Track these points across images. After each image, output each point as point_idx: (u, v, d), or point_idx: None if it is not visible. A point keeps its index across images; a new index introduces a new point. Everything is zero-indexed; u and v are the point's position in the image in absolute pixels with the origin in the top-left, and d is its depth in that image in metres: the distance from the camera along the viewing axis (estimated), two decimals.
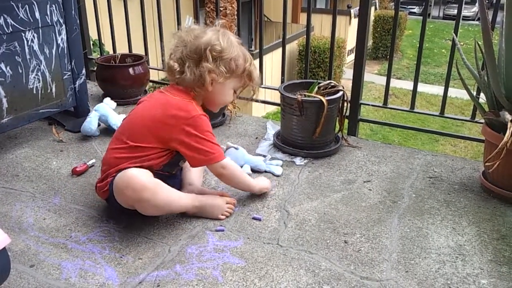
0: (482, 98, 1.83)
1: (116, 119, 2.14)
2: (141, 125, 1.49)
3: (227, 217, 1.55)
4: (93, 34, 3.13)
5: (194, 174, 1.69)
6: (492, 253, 1.39)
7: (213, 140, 1.49)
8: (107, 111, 2.15)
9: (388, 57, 2.33)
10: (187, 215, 1.55)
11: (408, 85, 9.93)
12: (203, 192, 1.64)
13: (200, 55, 1.47)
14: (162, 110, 1.46)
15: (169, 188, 1.46)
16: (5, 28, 1.84)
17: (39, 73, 2.02)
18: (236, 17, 4.09)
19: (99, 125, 2.16)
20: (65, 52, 2.13)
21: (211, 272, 1.30)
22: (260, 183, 1.68)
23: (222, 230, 1.48)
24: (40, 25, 1.98)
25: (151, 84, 3.06)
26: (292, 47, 9.17)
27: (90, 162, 1.89)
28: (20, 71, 1.93)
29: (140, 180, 1.37)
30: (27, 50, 1.94)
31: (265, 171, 1.86)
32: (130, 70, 2.58)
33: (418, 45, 2.16)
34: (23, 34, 1.92)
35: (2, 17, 1.82)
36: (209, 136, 1.48)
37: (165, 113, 1.46)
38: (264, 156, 1.96)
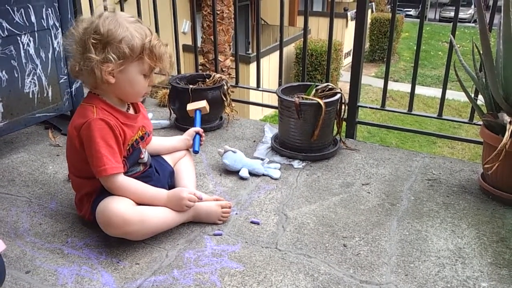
0: (480, 99, 1.82)
1: None
2: (69, 156, 1.47)
3: (224, 222, 1.54)
4: None
5: (187, 179, 1.65)
6: (492, 256, 1.38)
7: (103, 150, 1.33)
8: None
9: (384, 59, 2.33)
10: None
11: (405, 87, 9.94)
12: None
13: (84, 47, 1.32)
14: (69, 126, 1.41)
15: (156, 212, 1.41)
16: (1, 32, 1.82)
17: (35, 77, 2.01)
18: (233, 20, 4.09)
19: None
20: (61, 55, 2.12)
21: (209, 277, 1.28)
22: (171, 203, 1.44)
23: (220, 235, 1.47)
24: (36, 29, 1.97)
25: None
26: (289, 50, 9.18)
27: None
28: (16, 75, 1.92)
29: (121, 216, 1.31)
30: (23, 54, 1.93)
31: (263, 175, 1.85)
32: None
33: (414, 48, 2.16)
34: (19, 38, 1.90)
35: None
36: (99, 145, 1.32)
37: (70, 127, 1.40)
38: (262, 159, 1.95)
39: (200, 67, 5.18)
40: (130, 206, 1.36)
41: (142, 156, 1.52)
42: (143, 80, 1.41)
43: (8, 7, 1.84)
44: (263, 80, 7.12)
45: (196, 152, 1.71)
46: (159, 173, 1.60)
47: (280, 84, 2.31)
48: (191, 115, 1.94)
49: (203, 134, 1.75)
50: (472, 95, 1.88)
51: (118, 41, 1.31)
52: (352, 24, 10.00)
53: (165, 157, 1.69)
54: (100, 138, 1.33)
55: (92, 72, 1.32)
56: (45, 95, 2.08)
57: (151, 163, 1.59)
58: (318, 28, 10.75)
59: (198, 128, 1.75)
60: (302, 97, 1.99)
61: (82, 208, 1.49)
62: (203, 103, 1.96)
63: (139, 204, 1.40)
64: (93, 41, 1.31)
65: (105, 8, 1.42)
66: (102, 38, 1.31)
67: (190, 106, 1.97)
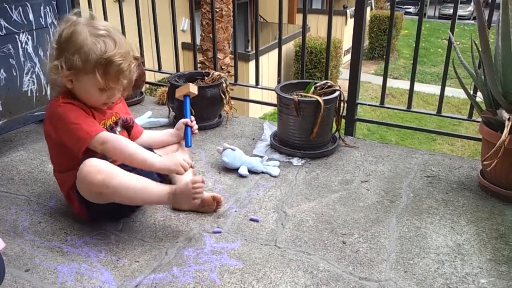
0: (479, 96, 1.82)
1: None
2: (50, 152, 1.50)
3: (197, 198, 1.45)
4: None
5: (186, 176, 1.62)
6: (491, 252, 1.38)
7: (78, 121, 1.34)
8: None
9: (384, 57, 2.33)
10: (183, 216, 1.54)
11: (405, 84, 9.95)
12: None
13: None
14: (43, 124, 1.46)
15: (131, 175, 1.37)
16: None
17: (34, 76, 2.01)
18: (232, 18, 4.09)
19: None
20: None
21: (209, 274, 1.28)
22: (166, 161, 1.41)
23: (219, 232, 1.47)
24: (34, 27, 1.97)
25: (147, 86, 3.05)
26: (289, 47, 9.17)
27: None
28: (15, 73, 1.92)
29: (94, 166, 1.32)
30: (21, 53, 1.93)
31: (262, 172, 1.85)
32: None
33: (414, 45, 2.16)
34: (17, 37, 1.90)
35: None
36: (75, 119, 1.34)
37: (44, 124, 1.45)
38: (261, 157, 1.95)
39: (199, 65, 5.18)
40: (107, 162, 1.36)
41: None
42: (99, 94, 1.38)
43: (6, 6, 1.84)
44: (263, 78, 7.08)
45: (188, 147, 1.65)
46: None
47: (279, 82, 2.31)
48: (181, 99, 1.81)
49: (193, 125, 1.67)
50: (471, 92, 1.88)
51: (72, 52, 1.31)
52: (351, 22, 9.97)
53: (158, 151, 1.65)
54: (71, 113, 1.35)
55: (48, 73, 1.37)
56: (43, 93, 2.07)
57: None
58: (318, 25, 10.74)
59: (187, 120, 1.66)
60: (301, 95, 1.99)
61: (74, 205, 1.50)
62: (188, 87, 1.82)
63: (130, 163, 1.39)
64: (54, 45, 1.36)
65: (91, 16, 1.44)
66: (59, 45, 1.35)
67: (178, 93, 1.84)
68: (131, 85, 1.46)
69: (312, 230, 1.49)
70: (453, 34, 1.95)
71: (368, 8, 12.38)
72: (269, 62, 7.87)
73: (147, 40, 3.03)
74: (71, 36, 1.32)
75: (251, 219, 1.54)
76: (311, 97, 1.95)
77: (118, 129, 1.53)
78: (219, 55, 5.16)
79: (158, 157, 1.44)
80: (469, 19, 19.58)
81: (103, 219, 1.50)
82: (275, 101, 2.17)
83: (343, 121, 2.19)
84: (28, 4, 1.92)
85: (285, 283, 1.25)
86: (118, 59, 1.33)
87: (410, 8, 20.36)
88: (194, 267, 1.31)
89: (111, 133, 1.40)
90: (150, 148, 1.65)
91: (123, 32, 2.91)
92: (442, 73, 2.17)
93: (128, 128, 1.59)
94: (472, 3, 19.75)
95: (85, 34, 1.32)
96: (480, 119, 1.75)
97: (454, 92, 8.41)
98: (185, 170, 1.41)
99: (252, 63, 7.21)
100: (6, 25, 1.85)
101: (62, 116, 1.36)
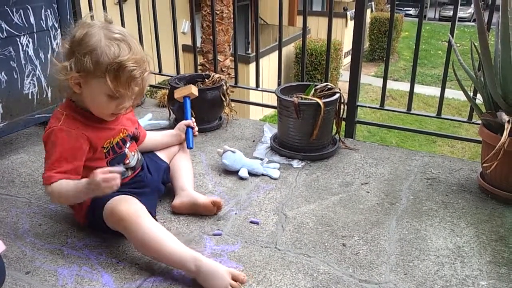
0: (479, 99, 1.83)
1: None
2: None
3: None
4: None
5: (185, 179, 1.63)
6: (491, 255, 1.38)
7: (53, 158, 1.30)
8: None
9: (384, 59, 2.33)
10: (183, 219, 1.55)
11: (405, 86, 9.94)
12: (195, 198, 1.56)
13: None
14: None
15: (155, 226, 1.30)
16: (0, 34, 1.83)
17: (35, 78, 2.01)
18: (232, 20, 4.10)
19: None
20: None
21: None
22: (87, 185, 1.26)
23: (220, 234, 1.47)
24: (35, 30, 1.97)
25: (148, 88, 3.05)
26: (289, 49, 9.18)
27: None
28: (15, 76, 1.92)
29: (119, 214, 1.30)
30: (22, 55, 1.93)
31: (263, 174, 1.85)
32: None
33: (414, 47, 2.16)
34: (18, 39, 1.91)
35: None
36: (53, 153, 1.30)
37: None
38: (261, 159, 1.95)
39: (199, 67, 5.19)
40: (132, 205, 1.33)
41: (127, 162, 1.47)
42: (107, 101, 1.31)
43: (7, 8, 1.84)
44: (263, 80, 7.11)
45: (190, 148, 1.68)
46: (151, 173, 1.57)
47: (279, 84, 2.32)
48: (180, 101, 1.89)
49: (195, 126, 1.70)
50: (471, 94, 1.88)
51: (83, 53, 1.25)
52: (351, 24, 9.97)
53: (160, 153, 1.67)
54: (57, 146, 1.30)
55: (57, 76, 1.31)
56: (44, 96, 2.08)
57: (143, 165, 1.56)
58: (318, 27, 10.75)
59: (188, 122, 1.69)
60: (301, 97, 1.99)
61: (76, 213, 1.50)
62: (189, 88, 1.88)
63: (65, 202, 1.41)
64: (66, 46, 1.31)
65: (108, 20, 1.39)
66: (72, 45, 1.29)
67: (177, 93, 1.91)
68: (143, 94, 1.40)
69: (312, 233, 1.49)
70: (453, 36, 1.95)
71: (368, 10, 12.41)
72: (269, 64, 7.88)
73: (147, 42, 3.03)
74: (85, 37, 1.27)
75: (251, 222, 1.54)
76: (311, 99, 1.96)
77: (128, 144, 1.48)
78: (220, 57, 5.17)
79: (84, 183, 1.27)
80: (469, 21, 19.57)
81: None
82: (275, 103, 2.18)
83: (343, 123, 2.19)
84: (29, 7, 1.93)
85: (285, 286, 1.25)
86: (131, 64, 1.26)
87: (410, 10, 20.37)
88: None
89: (55, 186, 1.29)
90: (152, 151, 1.67)
91: None
92: (442, 75, 2.17)
93: (136, 139, 1.56)
94: (472, 5, 19.78)
95: (100, 36, 1.27)
96: (480, 121, 1.75)
97: (454, 94, 8.40)
98: (112, 183, 1.23)
99: (252, 65, 7.22)
100: (7, 27, 1.85)
101: (51, 143, 1.32)
